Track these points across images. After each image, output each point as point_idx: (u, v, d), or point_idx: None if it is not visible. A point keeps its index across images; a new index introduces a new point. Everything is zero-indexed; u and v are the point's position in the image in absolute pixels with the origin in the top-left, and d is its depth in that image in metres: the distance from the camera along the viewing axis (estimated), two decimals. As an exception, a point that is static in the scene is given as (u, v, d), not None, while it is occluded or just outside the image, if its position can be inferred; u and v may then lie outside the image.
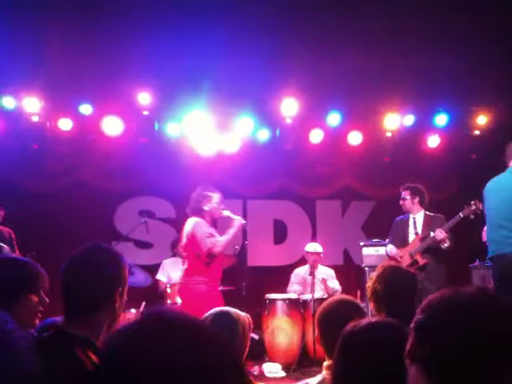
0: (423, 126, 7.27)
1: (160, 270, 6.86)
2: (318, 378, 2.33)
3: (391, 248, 5.76)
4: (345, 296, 2.78)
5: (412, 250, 5.60)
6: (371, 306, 2.97)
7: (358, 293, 6.42)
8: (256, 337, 5.93)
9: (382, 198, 7.72)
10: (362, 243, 6.63)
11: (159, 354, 0.88)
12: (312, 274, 6.22)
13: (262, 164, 7.42)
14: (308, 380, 2.43)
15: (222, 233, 5.05)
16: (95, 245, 2.06)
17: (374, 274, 2.96)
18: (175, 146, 7.11)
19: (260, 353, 6.12)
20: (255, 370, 5.74)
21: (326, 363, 2.37)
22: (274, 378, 5.64)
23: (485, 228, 4.69)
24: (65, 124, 6.80)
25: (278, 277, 7.17)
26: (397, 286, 2.84)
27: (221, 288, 6.07)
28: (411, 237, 5.72)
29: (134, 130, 6.96)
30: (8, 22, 5.76)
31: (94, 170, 7.31)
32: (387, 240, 5.97)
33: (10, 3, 5.73)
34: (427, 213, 5.76)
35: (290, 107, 6.92)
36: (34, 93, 6.50)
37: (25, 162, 6.88)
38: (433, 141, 7.35)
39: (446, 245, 5.38)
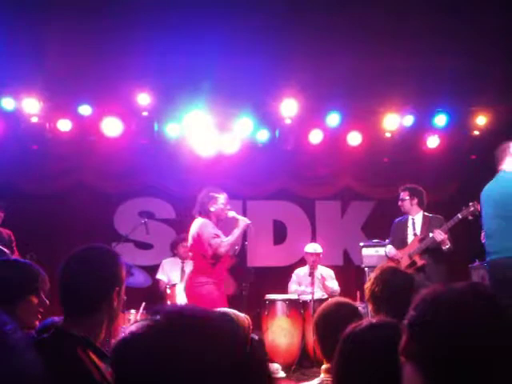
0: (422, 126, 7.27)
1: (160, 269, 6.86)
2: (316, 381, 2.33)
3: (390, 249, 5.77)
4: (342, 298, 2.78)
5: (411, 250, 5.60)
6: (370, 307, 2.97)
7: (358, 293, 6.41)
8: (256, 337, 5.93)
9: (381, 198, 7.72)
10: (361, 244, 6.63)
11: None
12: (312, 274, 6.22)
13: (262, 165, 7.42)
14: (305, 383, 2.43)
15: (227, 233, 5.07)
16: (91, 245, 2.07)
17: (372, 276, 2.96)
18: (175, 146, 7.11)
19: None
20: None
21: (324, 366, 2.37)
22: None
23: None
24: (64, 125, 6.80)
25: (278, 277, 7.17)
26: (394, 287, 2.84)
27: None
28: (410, 238, 5.72)
29: (134, 131, 6.95)
30: (7, 22, 5.75)
31: (93, 171, 7.31)
32: (387, 241, 5.97)
33: (9, 4, 5.73)
34: (426, 214, 5.77)
35: (289, 108, 6.93)
36: (34, 94, 6.50)
37: (24, 163, 6.88)
38: (432, 141, 7.34)
39: (447, 246, 5.38)
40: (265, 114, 7.10)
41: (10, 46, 5.93)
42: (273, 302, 6.24)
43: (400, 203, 5.85)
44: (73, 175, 7.29)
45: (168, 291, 6.16)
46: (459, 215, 5.37)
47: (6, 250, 5.43)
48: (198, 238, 4.96)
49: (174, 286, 6.23)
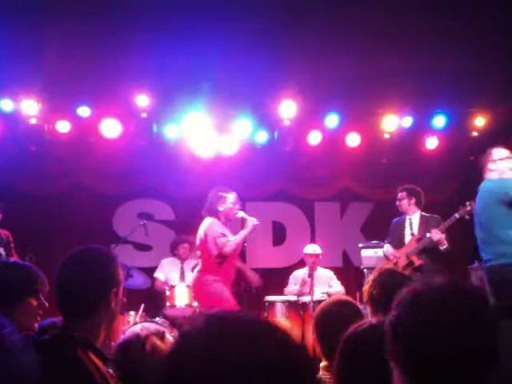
0: (421, 127, 7.27)
1: (158, 268, 6.86)
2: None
3: (387, 248, 5.79)
4: (342, 296, 2.78)
5: (408, 250, 5.61)
6: (368, 309, 2.97)
7: (358, 295, 6.41)
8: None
9: (380, 199, 7.72)
10: (360, 245, 6.63)
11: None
12: (311, 275, 6.21)
13: (261, 166, 7.42)
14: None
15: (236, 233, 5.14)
16: (87, 247, 2.07)
17: (369, 278, 2.96)
18: (174, 148, 7.10)
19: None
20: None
21: (322, 364, 2.37)
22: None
23: None
24: (63, 126, 6.80)
25: (277, 279, 7.16)
26: (392, 289, 2.84)
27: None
28: (407, 238, 5.73)
29: (133, 132, 6.95)
30: (7, 24, 5.76)
31: (92, 173, 7.30)
32: (385, 241, 5.98)
33: (8, 5, 5.73)
34: (423, 214, 5.78)
35: (288, 109, 6.92)
36: (32, 95, 6.50)
37: (23, 165, 6.87)
38: (431, 142, 7.35)
39: (444, 246, 5.38)
40: (264, 116, 7.10)
41: (9, 48, 5.94)
42: (272, 303, 6.22)
43: (398, 203, 5.86)
44: (71, 177, 7.28)
45: (167, 292, 6.15)
46: (456, 215, 5.38)
47: (1, 251, 5.42)
48: (205, 237, 5.02)
49: (173, 287, 6.22)
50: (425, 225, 5.66)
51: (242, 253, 6.21)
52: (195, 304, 6.11)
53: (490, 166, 4.59)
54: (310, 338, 5.71)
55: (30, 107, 6.55)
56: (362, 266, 6.44)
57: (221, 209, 5.11)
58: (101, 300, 1.97)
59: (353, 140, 7.29)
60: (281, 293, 6.58)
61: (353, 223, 8.06)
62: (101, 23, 5.85)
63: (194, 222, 7.53)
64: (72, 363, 1.84)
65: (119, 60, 6.16)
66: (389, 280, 2.87)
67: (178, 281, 6.59)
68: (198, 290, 5.12)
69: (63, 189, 7.25)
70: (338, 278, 6.81)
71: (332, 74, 6.31)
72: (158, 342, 1.95)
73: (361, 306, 5.58)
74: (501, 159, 4.57)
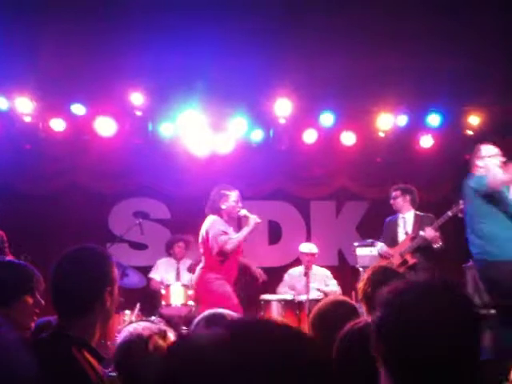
0: (416, 126, 7.28)
1: (154, 268, 6.85)
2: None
3: (381, 246, 5.80)
4: (338, 296, 2.78)
5: (402, 249, 5.62)
6: (363, 307, 2.98)
7: (353, 294, 6.41)
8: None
9: (375, 198, 7.73)
10: (356, 244, 6.63)
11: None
12: (307, 274, 6.22)
13: (256, 164, 7.41)
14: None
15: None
16: (82, 246, 2.07)
17: (364, 277, 2.97)
18: (169, 146, 7.08)
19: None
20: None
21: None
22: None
23: None
24: (57, 124, 6.76)
25: (273, 277, 7.14)
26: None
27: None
28: (401, 236, 5.75)
29: (128, 131, 6.93)
30: (1, 22, 5.73)
31: (87, 171, 7.28)
32: (380, 240, 6.00)
33: (3, 4, 5.70)
34: (417, 212, 5.80)
35: (283, 107, 6.92)
36: (27, 93, 6.46)
37: (17, 163, 6.83)
38: (426, 141, 7.36)
39: (438, 245, 5.40)
40: (259, 114, 7.10)
41: (4, 46, 5.91)
42: (268, 302, 6.23)
43: (392, 201, 5.88)
44: (66, 175, 7.26)
45: (163, 291, 6.14)
46: (449, 212, 5.41)
47: None
48: (207, 236, 5.03)
49: (168, 286, 6.21)
50: (419, 223, 5.68)
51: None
52: (191, 303, 6.10)
53: (478, 162, 4.64)
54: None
55: (24, 105, 6.51)
56: (358, 265, 6.45)
57: (223, 207, 5.12)
58: (96, 299, 1.96)
59: (348, 139, 7.29)
60: (275, 292, 6.59)
61: (348, 222, 8.07)
62: (96, 22, 5.84)
63: (189, 220, 7.56)
64: (67, 362, 1.84)
65: (114, 58, 6.14)
66: (383, 278, 2.88)
67: (174, 280, 6.58)
68: (200, 287, 5.11)
69: (58, 187, 7.23)
70: (334, 277, 6.82)
71: (327, 73, 6.31)
72: (161, 342, 1.95)
73: (357, 305, 5.60)
74: (489, 156, 4.61)
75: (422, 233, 5.49)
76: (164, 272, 6.78)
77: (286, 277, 6.81)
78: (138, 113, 6.80)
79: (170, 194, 7.50)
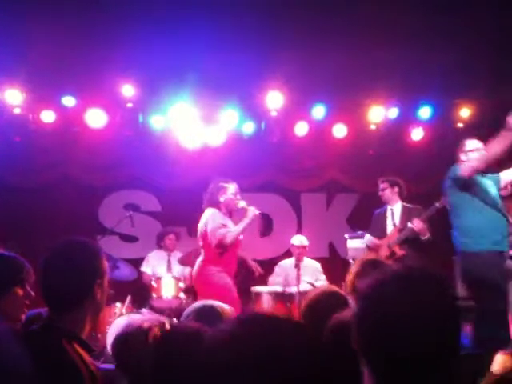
0: (407, 118, 7.31)
1: (145, 262, 6.84)
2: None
3: (368, 238, 5.84)
4: (329, 287, 2.79)
5: (390, 241, 5.65)
6: (352, 300, 2.99)
7: (343, 285, 6.45)
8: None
9: (366, 190, 7.75)
10: (346, 236, 6.66)
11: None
12: (297, 266, 6.24)
13: (248, 157, 7.41)
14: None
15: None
16: (69, 240, 2.06)
17: (352, 269, 2.98)
18: (160, 138, 7.06)
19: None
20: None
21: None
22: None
23: None
24: (48, 116, 6.72)
25: (264, 270, 7.16)
26: None
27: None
28: (389, 228, 5.79)
29: (118, 123, 6.89)
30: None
31: (77, 163, 7.24)
32: (360, 232, 6.05)
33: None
34: (405, 204, 5.84)
35: (275, 100, 6.92)
36: (16, 85, 6.41)
37: (7, 155, 6.78)
38: (417, 133, 7.39)
39: (426, 237, 5.44)
40: (250, 107, 7.09)
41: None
42: (258, 294, 6.25)
43: (381, 193, 5.93)
44: (57, 167, 7.21)
45: (154, 284, 6.15)
46: (437, 204, 5.44)
47: None
48: (206, 228, 5.04)
49: (159, 279, 6.21)
50: (406, 215, 5.72)
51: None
52: (182, 295, 6.12)
53: (462, 156, 4.69)
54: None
55: (13, 97, 6.46)
56: (348, 257, 6.48)
57: (221, 199, 5.12)
58: (86, 293, 1.96)
59: (339, 131, 7.31)
60: (267, 283, 6.61)
61: (339, 214, 8.09)
62: (86, 13, 5.78)
63: (180, 213, 7.56)
64: (57, 354, 1.84)
65: (105, 50, 6.09)
66: (371, 270, 2.89)
67: (165, 273, 6.58)
68: (200, 280, 5.09)
69: (48, 179, 7.19)
70: (324, 269, 6.85)
71: (319, 66, 6.31)
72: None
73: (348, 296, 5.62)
74: (471, 150, 4.66)
75: (409, 224, 5.53)
76: (155, 265, 6.78)
77: (277, 269, 6.84)
78: (129, 105, 6.77)
79: (161, 186, 7.49)
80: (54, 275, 1.95)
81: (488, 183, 4.67)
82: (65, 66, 6.20)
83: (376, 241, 5.76)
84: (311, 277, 6.62)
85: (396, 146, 7.45)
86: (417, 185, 7.04)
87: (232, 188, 5.18)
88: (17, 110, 6.54)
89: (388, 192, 5.86)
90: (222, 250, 5.01)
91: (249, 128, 7.21)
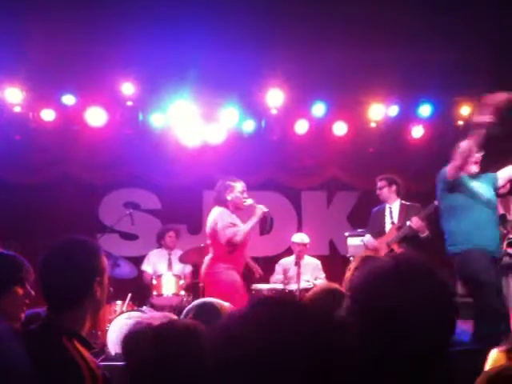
0: (407, 116, 7.30)
1: (145, 261, 6.84)
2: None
3: (368, 238, 5.83)
4: (330, 284, 2.79)
5: (389, 239, 5.65)
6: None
7: (343, 282, 6.45)
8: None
9: (367, 188, 7.73)
10: (346, 233, 6.66)
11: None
12: (298, 264, 6.25)
13: (248, 155, 7.40)
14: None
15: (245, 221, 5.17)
16: (68, 238, 2.06)
17: (351, 266, 2.97)
18: (160, 136, 7.06)
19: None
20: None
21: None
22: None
23: None
24: (48, 115, 6.71)
25: (264, 267, 7.16)
26: None
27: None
28: (388, 226, 5.79)
29: (118, 121, 6.89)
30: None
31: (77, 162, 7.24)
32: (361, 230, 6.05)
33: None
34: (403, 202, 5.84)
35: (275, 98, 6.91)
36: (16, 83, 6.41)
37: (7, 154, 6.78)
38: (417, 131, 7.38)
39: (424, 234, 5.44)
40: (251, 104, 7.08)
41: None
42: (259, 291, 6.25)
43: (378, 192, 5.93)
44: (57, 165, 7.22)
45: (154, 282, 6.15)
46: (435, 202, 5.44)
47: None
48: (215, 227, 5.05)
49: (159, 276, 6.21)
50: (405, 213, 5.72)
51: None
52: (182, 293, 6.12)
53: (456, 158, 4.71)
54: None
55: (14, 95, 6.46)
56: (348, 255, 6.49)
57: (229, 198, 5.14)
58: (85, 292, 1.97)
59: (340, 129, 7.30)
60: (268, 281, 6.62)
61: (339, 212, 8.10)
62: (86, 10, 5.78)
63: (180, 211, 7.57)
64: (58, 352, 1.85)
65: (105, 48, 6.09)
66: None
67: (166, 271, 6.59)
68: (209, 277, 5.10)
69: (48, 178, 7.19)
70: (325, 267, 6.86)
71: (319, 63, 6.31)
72: None
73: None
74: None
75: (408, 222, 5.53)
76: (156, 263, 6.78)
77: (278, 267, 6.84)
78: (129, 103, 6.77)
79: (161, 184, 7.49)
80: (53, 273, 1.95)
81: (478, 184, 4.68)
82: (65, 65, 6.20)
83: (374, 242, 5.76)
84: (311, 275, 6.63)
85: (396, 143, 7.44)
86: (417, 183, 7.04)
87: (239, 186, 5.21)
88: (17, 109, 6.54)
89: (385, 191, 5.86)
90: (231, 248, 5.03)
91: (249, 126, 7.21)
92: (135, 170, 7.39)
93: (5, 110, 6.54)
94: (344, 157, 7.70)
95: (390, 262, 1.23)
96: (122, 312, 5.63)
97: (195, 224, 7.69)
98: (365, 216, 6.79)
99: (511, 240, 5.77)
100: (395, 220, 5.77)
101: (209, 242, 5.25)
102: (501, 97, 4.33)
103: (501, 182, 4.76)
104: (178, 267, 6.69)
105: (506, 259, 5.74)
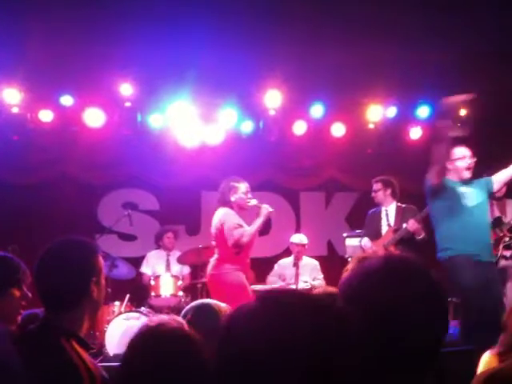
0: (405, 117, 7.32)
1: (144, 262, 6.84)
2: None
3: (366, 241, 5.83)
4: (328, 288, 2.79)
5: (385, 241, 5.65)
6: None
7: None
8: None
9: (365, 189, 7.73)
10: (345, 234, 6.67)
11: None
12: (296, 265, 6.26)
13: (246, 156, 7.41)
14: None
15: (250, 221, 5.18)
16: (63, 239, 2.06)
17: (349, 267, 2.97)
18: (158, 137, 7.06)
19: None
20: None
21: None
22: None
23: None
24: (46, 115, 6.72)
25: (262, 268, 7.18)
26: None
27: (205, 280, 6.11)
28: (384, 229, 5.78)
29: (117, 122, 6.89)
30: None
31: (76, 162, 7.24)
32: (359, 231, 6.05)
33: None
34: (399, 204, 5.85)
35: (273, 99, 6.92)
36: (14, 84, 6.41)
37: (5, 154, 6.78)
38: (415, 132, 7.40)
39: (420, 236, 5.45)
40: (249, 105, 7.09)
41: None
42: (257, 292, 6.25)
43: (373, 194, 5.93)
44: (55, 166, 7.22)
45: (152, 282, 6.15)
46: None
47: None
48: (222, 228, 5.04)
49: (158, 277, 6.22)
50: (401, 215, 5.72)
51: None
52: (180, 294, 6.12)
53: (448, 165, 4.71)
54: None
55: (12, 96, 6.46)
56: (347, 255, 6.49)
57: (233, 199, 5.14)
58: (82, 293, 1.96)
59: (338, 130, 7.31)
60: (265, 282, 6.62)
61: (338, 213, 8.10)
62: (84, 11, 5.77)
63: (178, 211, 7.57)
64: (55, 352, 1.85)
65: (103, 48, 6.09)
66: None
67: (164, 271, 6.59)
68: (216, 278, 5.08)
69: (47, 178, 7.19)
70: (323, 267, 6.86)
71: (317, 64, 6.31)
72: None
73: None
74: (457, 159, 4.69)
75: (404, 225, 5.54)
76: (155, 264, 6.78)
77: (276, 267, 6.85)
78: (127, 104, 6.77)
79: (159, 185, 7.49)
80: (49, 274, 1.95)
81: (468, 189, 4.67)
82: (63, 65, 6.19)
83: (372, 246, 5.75)
84: (309, 275, 6.63)
85: (394, 144, 7.45)
86: (415, 184, 7.03)
87: (243, 187, 5.21)
88: (15, 109, 6.54)
89: (380, 194, 5.86)
90: (238, 248, 5.03)
91: (247, 127, 7.21)
92: (134, 170, 7.39)
93: (3, 111, 6.53)
94: (342, 158, 7.71)
95: (380, 262, 1.23)
96: (120, 313, 5.63)
97: (193, 225, 7.70)
98: (363, 217, 6.78)
99: (507, 243, 5.77)
100: (391, 222, 5.77)
101: (214, 243, 5.24)
102: (458, 98, 4.36)
103: (497, 186, 4.76)
104: (176, 268, 6.69)
105: (503, 262, 5.74)
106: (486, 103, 6.96)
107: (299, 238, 6.69)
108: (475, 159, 4.73)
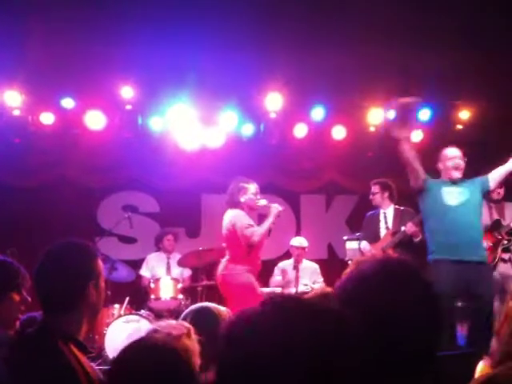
0: (406, 120, 7.30)
1: (144, 265, 6.83)
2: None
3: (365, 245, 5.82)
4: (327, 289, 2.78)
5: (384, 244, 5.64)
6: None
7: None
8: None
9: (365, 192, 7.71)
10: (345, 237, 6.66)
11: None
12: (296, 268, 6.25)
13: (247, 159, 7.40)
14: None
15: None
16: (62, 242, 2.05)
17: (347, 270, 2.96)
18: (159, 140, 7.07)
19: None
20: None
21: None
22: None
23: None
24: (47, 118, 6.73)
25: (262, 270, 7.16)
26: None
27: (205, 282, 6.10)
28: (382, 231, 5.78)
29: (117, 125, 6.90)
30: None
31: (76, 165, 7.24)
32: (359, 234, 6.04)
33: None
34: (397, 207, 5.84)
35: (274, 101, 6.92)
36: (16, 86, 6.42)
37: (6, 157, 6.79)
38: (416, 135, 7.38)
39: (418, 238, 5.44)
40: (249, 108, 7.09)
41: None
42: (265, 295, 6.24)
43: (371, 197, 5.94)
44: (55, 169, 7.22)
45: (152, 285, 6.14)
46: None
47: None
48: (233, 229, 5.04)
49: (157, 280, 6.21)
50: (399, 218, 5.72)
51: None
52: (180, 297, 6.11)
53: (439, 165, 4.72)
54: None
55: (13, 99, 6.47)
56: (347, 258, 6.48)
57: (242, 200, 5.13)
58: (80, 295, 1.96)
59: (338, 133, 7.31)
60: (266, 284, 6.61)
61: (338, 216, 8.09)
62: (85, 14, 5.79)
63: (178, 214, 7.56)
64: (53, 356, 1.84)
65: (104, 51, 6.10)
66: None
67: (164, 274, 6.58)
68: (227, 279, 5.07)
69: (47, 181, 7.19)
70: (323, 270, 6.85)
71: (318, 67, 6.31)
72: (188, 341, 1.88)
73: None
74: (447, 159, 4.69)
75: (403, 228, 5.53)
76: (154, 267, 6.78)
77: (276, 270, 6.84)
78: (128, 106, 6.77)
79: (160, 187, 7.49)
80: (48, 276, 1.95)
81: (452, 189, 4.64)
82: (64, 68, 6.20)
83: (371, 249, 5.75)
84: (310, 279, 6.62)
85: (395, 147, 7.43)
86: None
87: (252, 188, 5.21)
88: (16, 112, 6.55)
89: (378, 197, 5.87)
90: (249, 249, 5.04)
91: (248, 130, 7.21)
92: (134, 173, 7.40)
93: (4, 114, 6.54)
94: (343, 161, 7.71)
95: (377, 265, 1.24)
96: (119, 316, 5.62)
97: (194, 227, 7.69)
98: (363, 220, 6.80)
99: (506, 246, 5.75)
100: (390, 225, 5.77)
101: (224, 244, 5.24)
102: (405, 100, 4.40)
103: (493, 184, 4.73)
104: (176, 271, 6.69)
105: (501, 265, 5.73)
106: (487, 106, 6.97)
107: (299, 241, 6.69)
108: (465, 159, 4.73)
